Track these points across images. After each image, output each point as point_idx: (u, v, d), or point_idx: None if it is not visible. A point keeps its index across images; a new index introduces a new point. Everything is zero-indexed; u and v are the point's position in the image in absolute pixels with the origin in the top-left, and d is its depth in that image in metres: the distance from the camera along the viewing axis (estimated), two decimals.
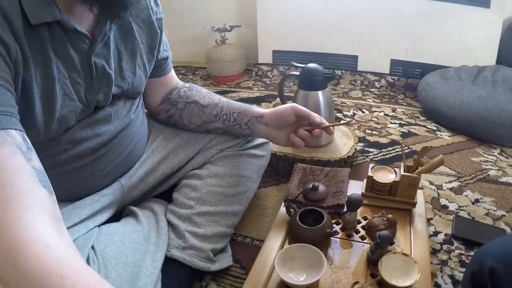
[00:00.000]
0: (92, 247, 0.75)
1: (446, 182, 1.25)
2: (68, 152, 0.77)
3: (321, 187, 0.98)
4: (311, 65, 1.38)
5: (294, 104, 0.95)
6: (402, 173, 0.94)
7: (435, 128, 1.64)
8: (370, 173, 0.98)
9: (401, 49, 2.05)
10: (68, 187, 0.81)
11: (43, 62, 0.66)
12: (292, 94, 1.43)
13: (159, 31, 0.90)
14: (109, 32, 0.74)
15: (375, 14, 2.02)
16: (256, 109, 1.00)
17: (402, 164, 0.97)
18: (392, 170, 0.99)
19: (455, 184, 1.25)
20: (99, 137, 0.82)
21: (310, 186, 0.97)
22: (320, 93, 1.34)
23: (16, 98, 0.59)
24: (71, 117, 0.73)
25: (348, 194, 0.92)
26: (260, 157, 1.07)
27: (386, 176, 0.98)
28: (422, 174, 0.94)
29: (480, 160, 1.38)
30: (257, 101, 1.99)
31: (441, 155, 0.89)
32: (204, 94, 1.04)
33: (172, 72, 1.05)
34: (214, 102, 1.01)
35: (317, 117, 0.92)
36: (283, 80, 1.44)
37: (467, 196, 1.18)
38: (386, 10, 1.98)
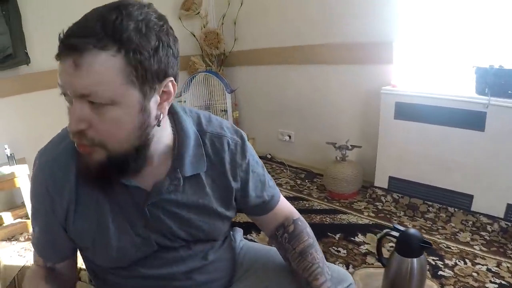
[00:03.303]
0: None
1: None
2: (145, 283, 0.99)
3: None
4: (411, 230, 1.54)
5: None
6: None
7: None
8: None
9: None
10: None
11: (96, 208, 0.89)
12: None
13: (234, 186, 1.02)
14: (167, 189, 0.91)
15: (495, 156, 2.15)
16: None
17: None
18: None
19: None
20: (173, 276, 0.99)
21: None
22: (415, 260, 1.49)
23: (71, 232, 0.93)
24: (132, 250, 0.93)
25: None
26: None
27: None
28: None
29: None
30: (363, 229, 2.27)
31: None
32: (296, 255, 1.07)
33: (278, 209, 1.14)
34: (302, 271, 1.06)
35: None
36: (381, 239, 1.67)
37: None
38: (507, 155, 2.11)
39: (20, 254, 2.28)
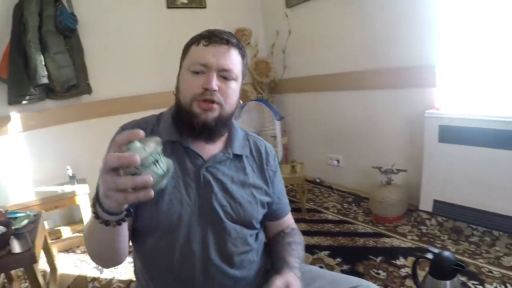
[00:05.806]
0: None
1: None
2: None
3: None
4: (445, 253, 1.61)
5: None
6: None
7: None
8: None
9: None
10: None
11: None
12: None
13: (269, 180, 1.31)
14: (220, 158, 1.21)
15: None
16: (287, 270, 1.17)
17: None
18: None
19: None
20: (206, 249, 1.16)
21: None
22: (448, 283, 1.56)
23: None
24: (178, 207, 1.12)
25: None
26: None
27: None
28: None
29: None
30: (405, 252, 2.38)
31: None
32: (284, 243, 1.31)
33: (286, 219, 1.41)
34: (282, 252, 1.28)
35: None
36: (416, 264, 1.78)
37: None
38: None
39: (76, 265, 2.66)
